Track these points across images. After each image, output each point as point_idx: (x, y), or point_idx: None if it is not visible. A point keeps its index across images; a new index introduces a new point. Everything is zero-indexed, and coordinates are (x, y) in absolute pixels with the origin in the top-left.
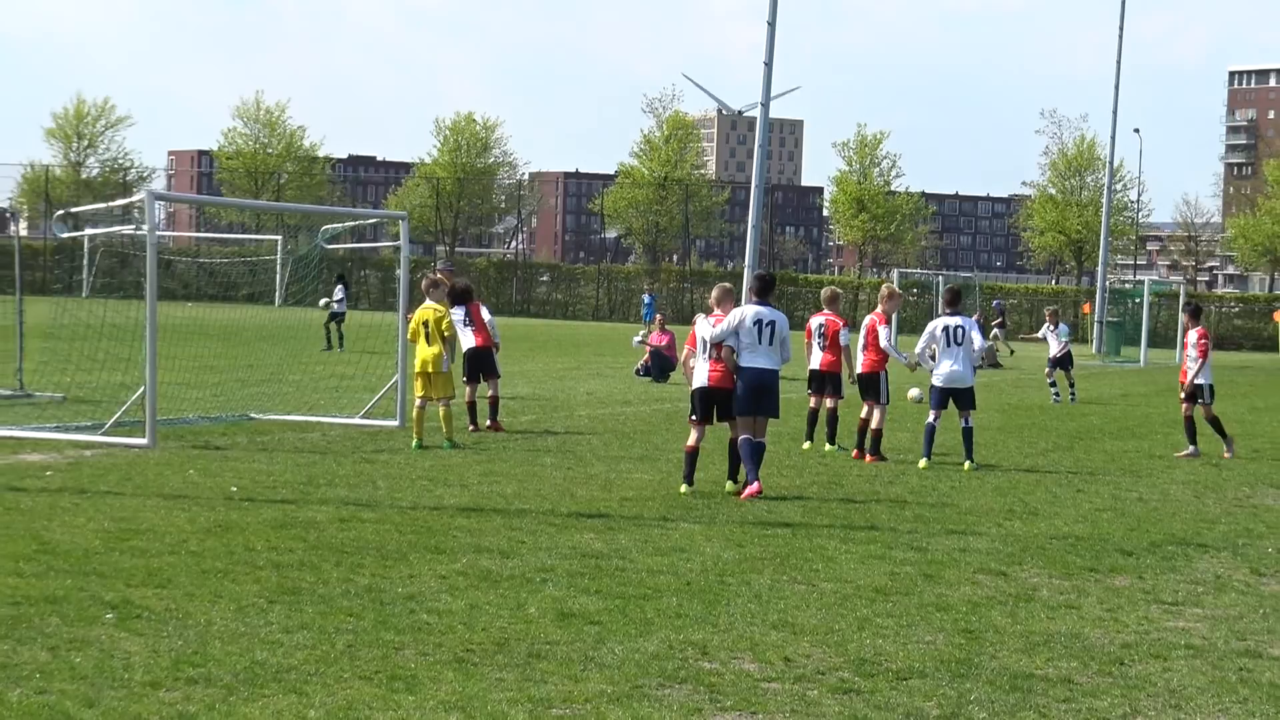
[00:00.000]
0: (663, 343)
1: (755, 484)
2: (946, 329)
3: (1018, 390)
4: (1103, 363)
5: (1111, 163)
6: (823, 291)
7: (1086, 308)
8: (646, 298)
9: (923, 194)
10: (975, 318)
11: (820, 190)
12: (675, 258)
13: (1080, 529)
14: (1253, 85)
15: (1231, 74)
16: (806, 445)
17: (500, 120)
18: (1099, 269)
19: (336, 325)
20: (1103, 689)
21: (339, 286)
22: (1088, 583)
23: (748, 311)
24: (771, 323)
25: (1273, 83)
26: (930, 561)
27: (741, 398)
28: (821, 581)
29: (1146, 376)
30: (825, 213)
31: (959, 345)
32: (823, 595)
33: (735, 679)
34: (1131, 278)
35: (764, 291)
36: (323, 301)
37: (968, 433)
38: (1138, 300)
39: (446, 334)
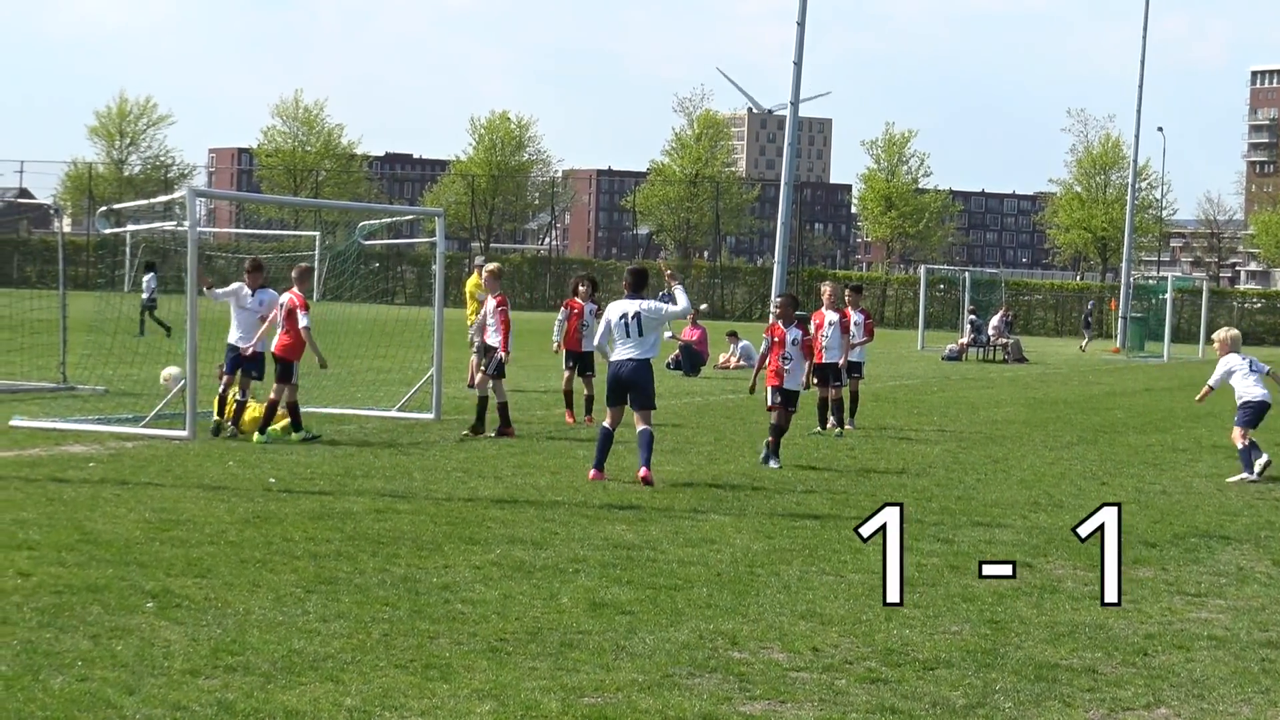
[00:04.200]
0: (694, 337)
1: (646, 470)
2: (624, 315)
3: (1043, 384)
4: (1127, 358)
5: (1136, 160)
6: (826, 287)
7: (1113, 304)
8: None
9: (950, 191)
10: (1002, 313)
11: (849, 188)
12: (706, 254)
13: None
14: (1274, 84)
15: (1254, 73)
16: (818, 430)
17: (534, 119)
18: (1123, 265)
19: (149, 313)
20: (1126, 679)
21: (149, 275)
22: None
23: (617, 307)
24: (637, 315)
25: None
26: (957, 553)
27: (610, 389)
28: (849, 573)
29: (1170, 371)
30: (853, 210)
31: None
32: (850, 586)
33: (764, 668)
34: (1155, 274)
35: (637, 286)
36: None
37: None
38: (1161, 296)
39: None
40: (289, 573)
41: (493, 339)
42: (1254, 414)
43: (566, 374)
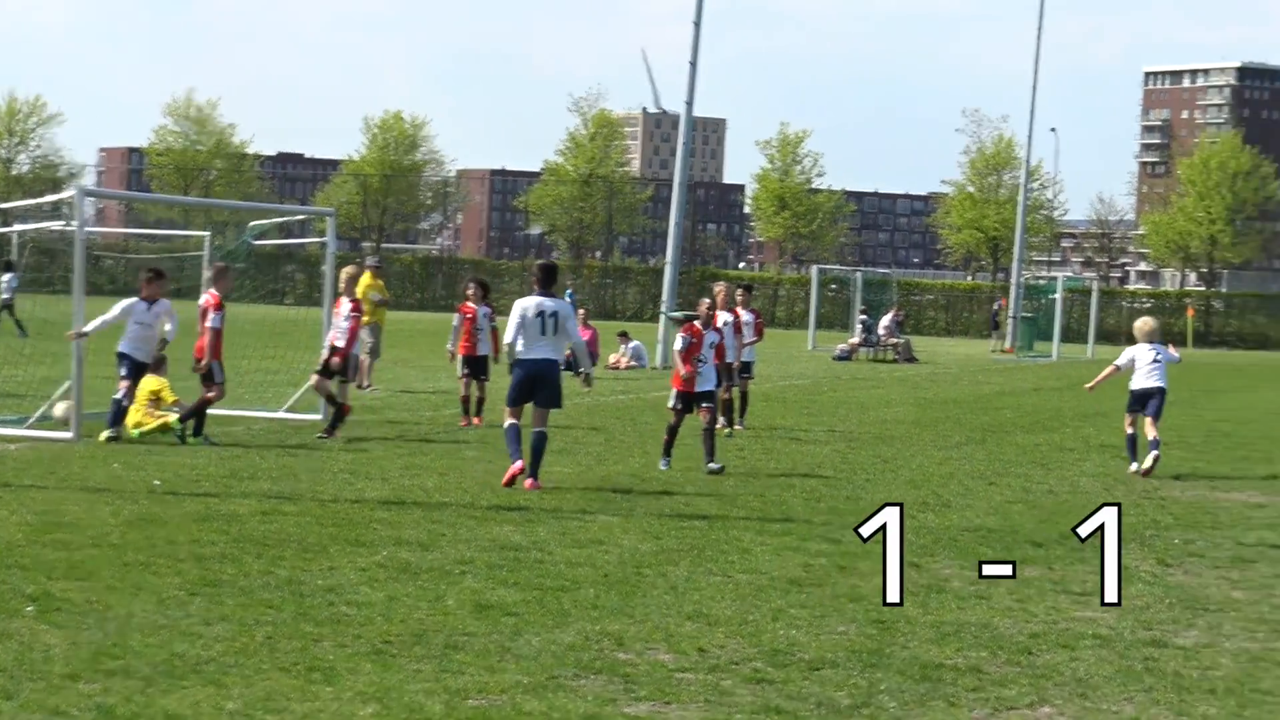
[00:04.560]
0: (585, 338)
1: (523, 469)
2: (541, 313)
3: (933, 384)
4: (1016, 357)
5: (1028, 161)
6: (719, 288)
7: (1003, 302)
8: (568, 294)
9: (844, 192)
10: (893, 313)
11: (742, 188)
12: (598, 254)
13: (991, 521)
14: (1167, 85)
15: (1147, 74)
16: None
17: (428, 118)
18: (1014, 266)
19: (9, 312)
20: (1011, 678)
21: (9, 275)
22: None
23: (530, 303)
24: (554, 313)
25: (1186, 84)
26: (844, 553)
27: (519, 387)
28: (737, 573)
29: (1059, 371)
30: (747, 210)
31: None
32: (738, 586)
33: (650, 669)
34: (1046, 274)
35: (547, 282)
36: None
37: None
38: (1051, 296)
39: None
40: (172, 575)
41: (340, 341)
42: (1135, 400)
43: (463, 380)
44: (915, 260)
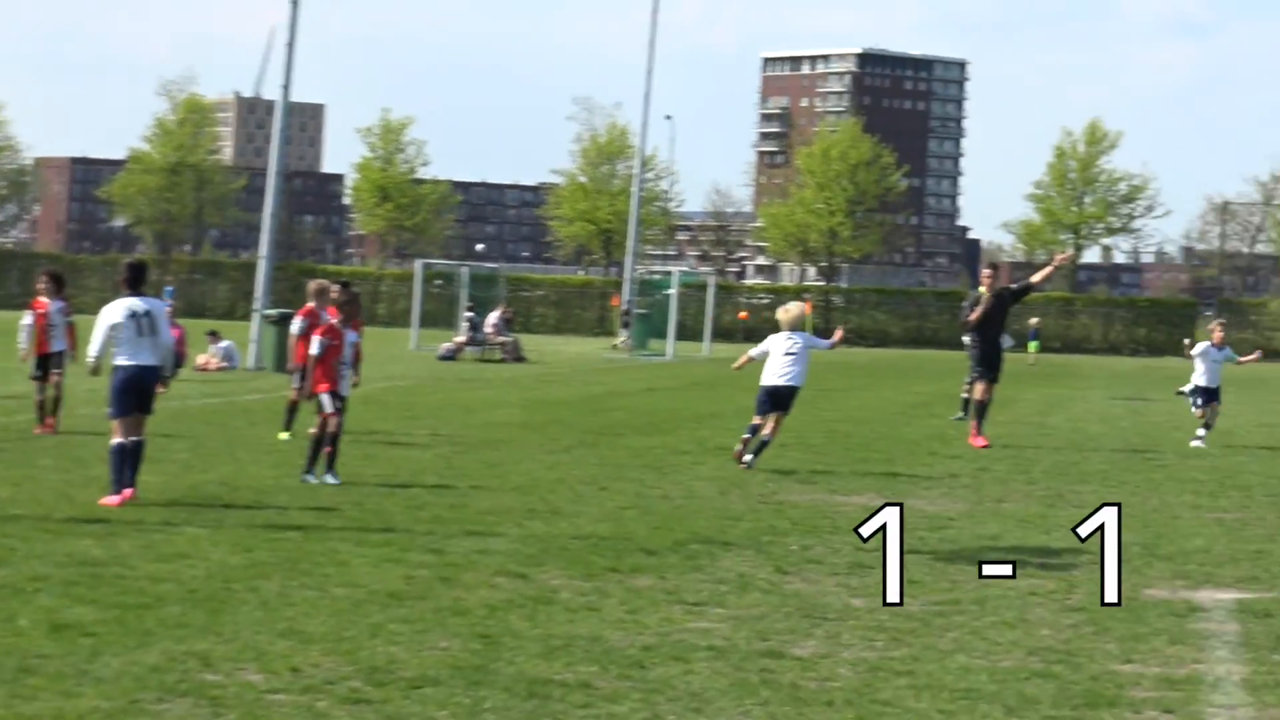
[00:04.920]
0: (175, 336)
1: (130, 489)
2: (134, 314)
3: (542, 385)
4: (629, 356)
5: (643, 150)
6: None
7: (615, 300)
8: (168, 291)
9: (450, 182)
10: (501, 310)
11: (341, 178)
12: (188, 247)
13: (603, 528)
14: (786, 72)
15: (765, 60)
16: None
17: (3, 103)
18: (627, 260)
19: None
20: (622, 693)
21: None
22: (610, 583)
23: (119, 308)
24: (148, 313)
25: (806, 70)
26: (447, 564)
27: (126, 396)
28: (333, 587)
29: (674, 370)
30: (347, 201)
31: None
32: (334, 601)
33: (239, 691)
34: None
35: (135, 281)
36: None
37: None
38: (667, 292)
39: None
40: None
41: None
42: (765, 397)
43: (37, 382)
44: (525, 254)
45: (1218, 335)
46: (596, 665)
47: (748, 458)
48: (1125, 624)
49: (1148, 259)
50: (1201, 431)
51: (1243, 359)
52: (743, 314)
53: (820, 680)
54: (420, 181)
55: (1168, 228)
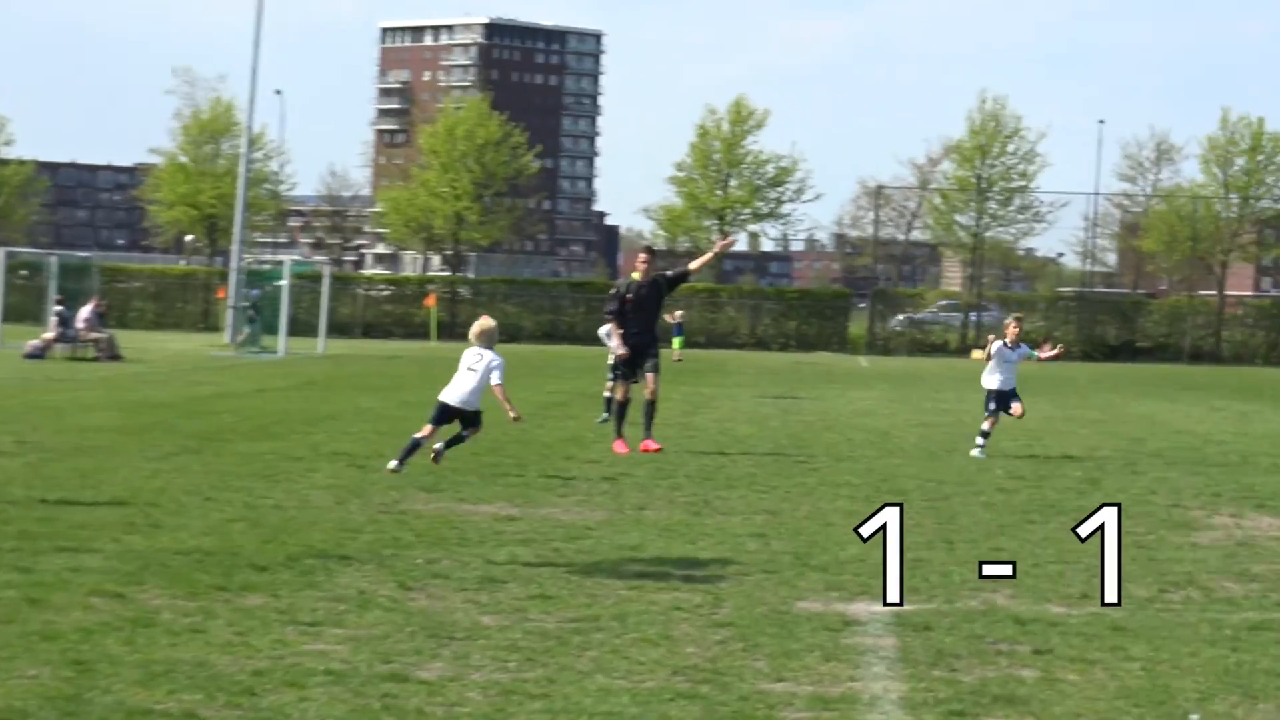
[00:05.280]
0: None
1: None
2: None
3: (141, 386)
4: (236, 354)
5: (250, 128)
6: None
7: (221, 292)
8: None
9: (36, 163)
10: (94, 303)
11: None
12: None
13: (209, 542)
14: (407, 44)
15: (384, 30)
16: None
17: None
18: (234, 248)
19: None
20: None
21: None
22: (216, 603)
23: None
24: None
25: (429, 41)
26: (36, 584)
27: None
28: None
29: (286, 369)
30: None
31: None
32: None
33: None
34: (272, 257)
35: None
36: None
37: None
38: (276, 283)
39: None
40: None
41: None
42: (440, 412)
43: None
44: (120, 241)
45: (1012, 332)
46: (202, 693)
47: (437, 445)
48: (776, 640)
49: (798, 246)
50: (981, 440)
51: (1043, 355)
52: (429, 299)
53: (448, 705)
54: (4, 163)
55: (818, 213)
